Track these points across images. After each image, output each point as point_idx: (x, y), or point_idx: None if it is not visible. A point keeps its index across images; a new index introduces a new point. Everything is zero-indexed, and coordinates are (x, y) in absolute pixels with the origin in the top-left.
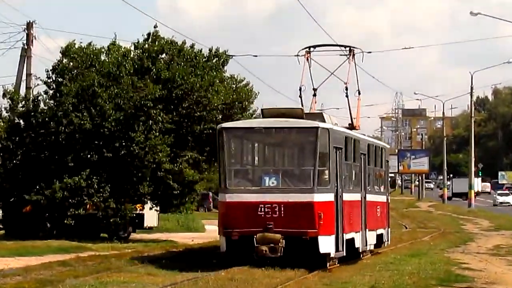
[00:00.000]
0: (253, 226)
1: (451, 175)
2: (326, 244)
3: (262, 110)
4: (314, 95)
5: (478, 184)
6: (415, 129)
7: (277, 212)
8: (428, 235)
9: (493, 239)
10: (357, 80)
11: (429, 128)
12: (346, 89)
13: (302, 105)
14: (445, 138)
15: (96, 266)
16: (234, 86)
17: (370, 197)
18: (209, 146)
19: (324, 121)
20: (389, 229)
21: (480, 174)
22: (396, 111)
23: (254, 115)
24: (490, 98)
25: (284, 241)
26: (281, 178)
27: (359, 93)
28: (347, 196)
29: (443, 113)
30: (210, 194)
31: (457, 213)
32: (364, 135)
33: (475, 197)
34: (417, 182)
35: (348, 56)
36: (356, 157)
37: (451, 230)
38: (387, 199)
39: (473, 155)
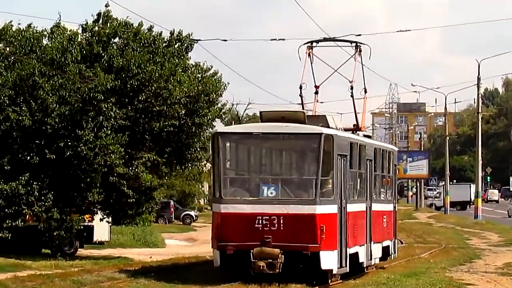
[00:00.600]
0: (249, 239)
1: (454, 181)
2: (329, 260)
3: (260, 113)
4: (316, 92)
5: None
6: (412, 127)
7: (276, 225)
8: (427, 251)
9: (503, 256)
10: (363, 78)
11: (429, 125)
12: (352, 88)
13: (302, 105)
14: (448, 138)
15: None
16: (199, 75)
17: (376, 206)
18: (170, 146)
19: (328, 125)
20: (396, 240)
21: (488, 180)
22: (391, 105)
23: (223, 110)
24: (501, 91)
25: (283, 256)
26: (280, 188)
27: (365, 92)
28: (351, 207)
29: (445, 108)
30: (172, 202)
31: (461, 226)
32: (370, 137)
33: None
34: (414, 189)
35: (354, 52)
36: (361, 164)
37: (454, 245)
38: (394, 207)
39: (480, 157)
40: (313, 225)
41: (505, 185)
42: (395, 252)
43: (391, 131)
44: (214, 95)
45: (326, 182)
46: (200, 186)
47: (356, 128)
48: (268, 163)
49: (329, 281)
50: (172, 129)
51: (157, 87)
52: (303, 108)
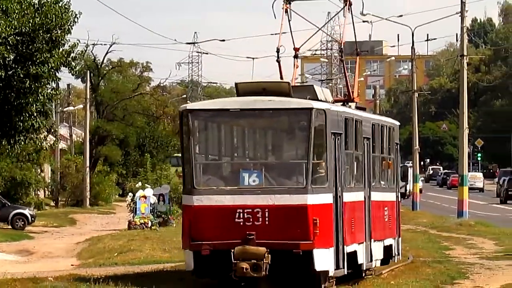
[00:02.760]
0: (229, 237)
1: (428, 160)
2: (324, 260)
3: (236, 84)
4: (296, 56)
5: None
6: (362, 78)
7: (260, 219)
8: (386, 268)
9: (501, 275)
10: (355, 37)
11: (388, 76)
12: (341, 50)
13: (281, 71)
14: (417, 94)
15: None
16: (36, 2)
17: (375, 196)
18: None
19: (316, 97)
20: (400, 239)
21: (478, 158)
22: (329, 45)
23: (72, 54)
24: (497, 22)
25: (269, 256)
26: (264, 174)
27: (358, 54)
28: (348, 196)
29: (413, 49)
30: None
31: (438, 228)
32: (364, 109)
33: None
34: None
35: (343, 6)
36: (358, 144)
37: (428, 258)
38: (397, 197)
39: (466, 123)
40: (305, 218)
41: (505, 164)
42: (399, 254)
43: (331, 84)
44: (59, 32)
45: (319, 166)
46: (39, 171)
47: (347, 99)
48: (250, 145)
49: (323, 285)
50: None
51: None
52: (281, 77)
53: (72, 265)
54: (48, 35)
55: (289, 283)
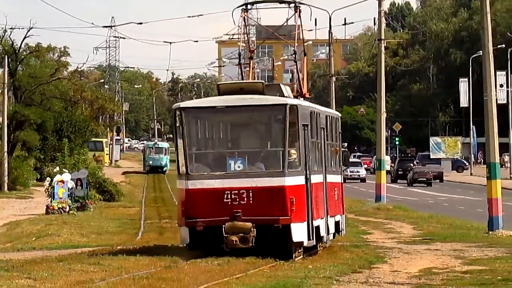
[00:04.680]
0: (219, 215)
1: (345, 144)
2: (299, 232)
3: (218, 85)
4: (251, 58)
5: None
6: (279, 63)
7: (245, 199)
8: (305, 253)
9: (419, 259)
10: (303, 40)
11: (306, 60)
12: (295, 52)
13: (242, 74)
14: (334, 79)
15: None
16: None
17: (329, 178)
18: None
19: (282, 94)
20: (345, 216)
21: (396, 142)
22: (246, 29)
23: None
24: (415, 5)
25: (255, 230)
26: (247, 161)
27: (305, 54)
28: (314, 178)
29: (330, 32)
30: None
31: (355, 213)
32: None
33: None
34: None
35: (294, 13)
36: (318, 133)
37: (345, 243)
38: (341, 179)
39: (383, 107)
40: (283, 197)
41: (423, 149)
42: (344, 229)
43: (247, 69)
44: None
45: (293, 153)
46: None
47: (300, 94)
48: (233, 136)
49: (293, 255)
50: None
51: None
52: (242, 78)
53: None
54: None
55: (268, 252)
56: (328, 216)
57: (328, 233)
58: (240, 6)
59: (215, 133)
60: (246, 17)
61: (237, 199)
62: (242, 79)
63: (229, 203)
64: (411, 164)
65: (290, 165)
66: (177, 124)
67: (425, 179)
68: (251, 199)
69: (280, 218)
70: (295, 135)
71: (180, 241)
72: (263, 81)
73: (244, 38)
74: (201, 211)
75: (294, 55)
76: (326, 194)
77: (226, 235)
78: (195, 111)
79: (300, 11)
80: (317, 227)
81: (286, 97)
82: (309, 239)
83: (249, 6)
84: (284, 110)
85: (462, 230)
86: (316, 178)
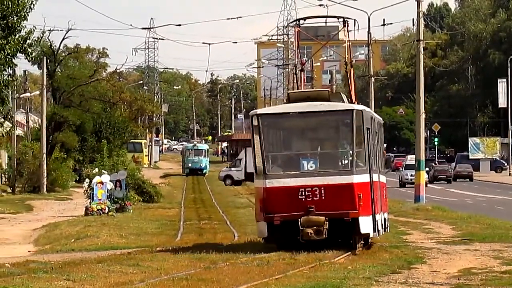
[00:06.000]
0: (294, 210)
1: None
2: (366, 225)
3: (288, 94)
4: (302, 70)
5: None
6: (318, 63)
7: (318, 195)
8: (342, 253)
9: (458, 259)
10: (350, 52)
11: (353, 71)
12: (346, 64)
13: (297, 82)
14: (373, 79)
15: None
16: None
17: (380, 178)
18: None
19: (343, 100)
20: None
21: (435, 143)
22: (285, 30)
23: (28, 41)
24: (453, 6)
25: (327, 223)
26: (319, 161)
27: (351, 66)
28: (374, 177)
29: (369, 33)
30: None
31: (395, 213)
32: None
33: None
34: None
35: (342, 27)
36: (373, 137)
37: (384, 243)
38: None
39: (422, 108)
40: (352, 193)
41: (462, 149)
42: (388, 226)
43: (287, 69)
44: (15, 18)
45: (360, 153)
46: None
47: (352, 103)
48: (306, 139)
49: (357, 245)
50: None
51: None
52: (298, 87)
53: (29, 251)
54: (4, 21)
55: (335, 243)
56: (382, 212)
57: (383, 227)
58: (293, 21)
59: (289, 137)
60: (298, 32)
61: (311, 196)
62: (298, 84)
63: (303, 199)
64: (433, 164)
65: (357, 164)
66: (254, 129)
67: (444, 176)
68: (323, 195)
69: (350, 212)
70: (361, 137)
71: (258, 234)
72: (328, 89)
73: (297, 52)
74: (278, 207)
75: (345, 67)
76: (380, 192)
77: (302, 228)
78: (271, 116)
79: (348, 25)
80: (377, 222)
81: (350, 103)
82: (373, 231)
83: (301, 21)
84: (352, 115)
85: (501, 230)
86: (375, 177)
